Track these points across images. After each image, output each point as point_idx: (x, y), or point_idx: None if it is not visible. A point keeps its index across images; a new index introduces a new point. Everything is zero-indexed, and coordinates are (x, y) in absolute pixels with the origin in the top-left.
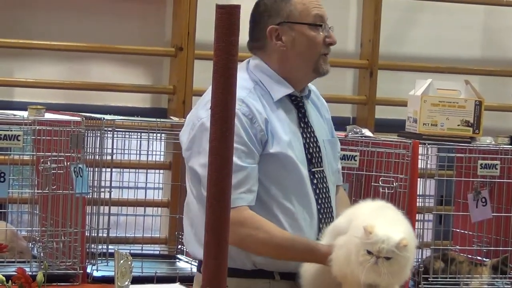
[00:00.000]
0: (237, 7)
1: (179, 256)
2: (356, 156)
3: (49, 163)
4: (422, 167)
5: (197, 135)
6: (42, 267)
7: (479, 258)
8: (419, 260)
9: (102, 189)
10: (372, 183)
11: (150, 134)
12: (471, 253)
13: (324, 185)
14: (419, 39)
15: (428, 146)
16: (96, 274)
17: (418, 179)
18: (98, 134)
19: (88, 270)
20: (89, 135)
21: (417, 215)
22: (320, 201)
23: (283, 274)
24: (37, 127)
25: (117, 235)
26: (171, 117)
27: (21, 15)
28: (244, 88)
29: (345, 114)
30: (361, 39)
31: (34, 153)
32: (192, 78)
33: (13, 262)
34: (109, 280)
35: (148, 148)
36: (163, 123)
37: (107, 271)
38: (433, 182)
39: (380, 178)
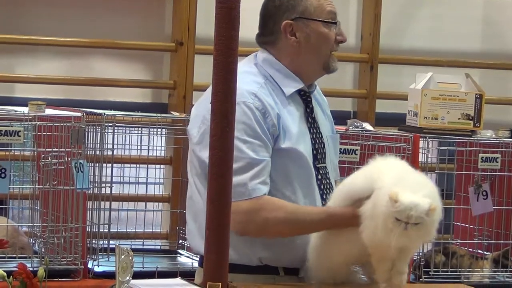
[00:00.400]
0: (237, 2)
1: (180, 251)
2: (356, 150)
3: (50, 159)
4: (423, 160)
5: (207, 129)
6: (43, 262)
7: (480, 251)
8: (420, 253)
9: (103, 185)
10: None
11: (150, 129)
12: (472, 247)
13: (328, 181)
14: (419, 32)
15: (429, 139)
16: (97, 269)
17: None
18: (99, 130)
19: (89, 266)
20: (89, 130)
21: None
22: (324, 197)
23: (287, 270)
24: (38, 123)
25: (118, 230)
26: (172, 112)
27: (21, 11)
28: (255, 83)
29: (346, 108)
30: (362, 32)
31: (35, 148)
32: (193, 73)
33: (14, 257)
34: (110, 275)
35: (148, 143)
36: (164, 118)
37: (108, 266)
38: (434, 175)
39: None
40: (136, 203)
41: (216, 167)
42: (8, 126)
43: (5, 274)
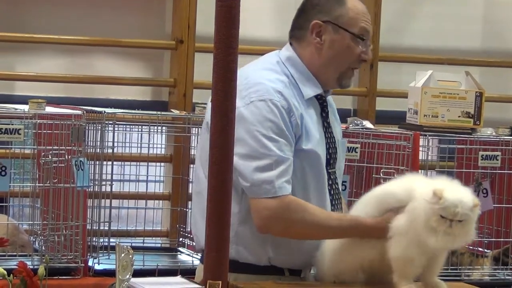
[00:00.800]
0: (237, 1)
1: (180, 249)
2: (357, 148)
3: (50, 157)
4: (423, 158)
5: None
6: (44, 260)
7: (480, 249)
8: None
9: (103, 182)
10: (373, 175)
11: (151, 127)
12: (472, 245)
13: (337, 186)
14: (419, 30)
15: (429, 137)
16: (97, 267)
17: (419, 170)
18: (99, 127)
19: (90, 264)
20: (90, 128)
21: None
22: (333, 202)
23: (291, 270)
24: (38, 121)
25: (119, 228)
26: (172, 110)
27: (21, 9)
28: (280, 81)
29: (346, 106)
30: None
31: (35, 146)
32: (193, 71)
33: (15, 255)
34: (111, 273)
35: (149, 141)
36: (164, 116)
37: (109, 264)
38: (434, 173)
39: (381, 170)
40: (136, 201)
41: (217, 165)
42: (9, 124)
43: (5, 272)
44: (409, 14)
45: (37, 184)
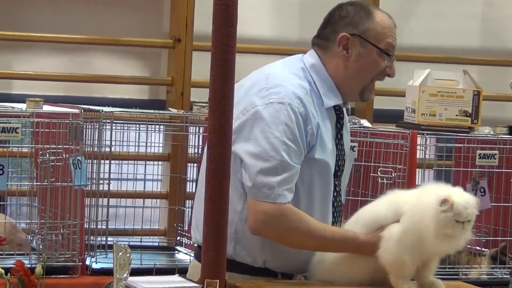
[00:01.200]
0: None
1: (178, 247)
2: (354, 146)
3: (47, 156)
4: (421, 157)
5: (248, 121)
6: (41, 259)
7: (478, 248)
8: None
9: (101, 181)
10: (371, 174)
11: (148, 125)
12: (470, 243)
13: (340, 198)
14: (417, 29)
15: (427, 136)
16: (95, 266)
17: (417, 169)
18: (97, 126)
19: (87, 262)
20: (87, 127)
21: None
22: (335, 214)
23: (284, 274)
24: (36, 120)
25: (116, 227)
26: (170, 108)
27: (19, 8)
28: (301, 87)
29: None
30: None
31: (33, 145)
32: (191, 70)
33: (12, 254)
34: (108, 272)
35: (146, 140)
36: (162, 114)
37: (106, 263)
38: (431, 172)
39: (379, 169)
40: (134, 199)
41: (215, 164)
42: (6, 123)
43: (3, 271)
44: (407, 12)
45: (34, 183)
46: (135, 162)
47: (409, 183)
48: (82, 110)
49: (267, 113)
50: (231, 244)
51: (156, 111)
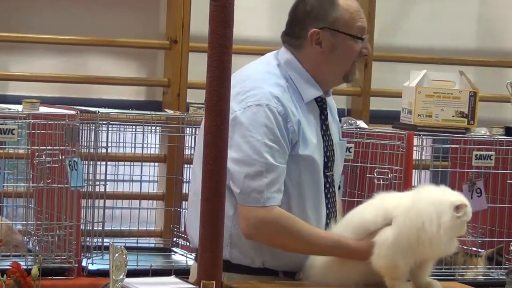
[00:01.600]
0: (232, 0)
1: (174, 249)
2: (351, 147)
3: (44, 157)
4: (417, 158)
5: (235, 128)
6: (37, 261)
7: (474, 249)
8: None
9: (97, 182)
10: (367, 175)
11: (145, 127)
12: (466, 244)
13: (333, 189)
14: (413, 30)
15: (423, 137)
16: (91, 267)
17: (413, 170)
18: (93, 128)
19: (83, 264)
20: (83, 128)
21: None
22: (329, 206)
23: (285, 272)
24: (32, 121)
25: (112, 228)
26: (166, 109)
27: (15, 9)
28: (278, 86)
29: (340, 105)
30: None
31: (29, 146)
32: (187, 71)
33: (8, 256)
34: (104, 273)
35: (143, 141)
36: (158, 116)
37: (102, 265)
38: (428, 173)
39: (375, 170)
40: (130, 201)
41: (211, 165)
42: (2, 124)
43: None
44: (403, 13)
45: (31, 184)
46: (131, 163)
47: (406, 184)
48: (79, 112)
49: (246, 117)
50: (227, 248)
51: (153, 112)
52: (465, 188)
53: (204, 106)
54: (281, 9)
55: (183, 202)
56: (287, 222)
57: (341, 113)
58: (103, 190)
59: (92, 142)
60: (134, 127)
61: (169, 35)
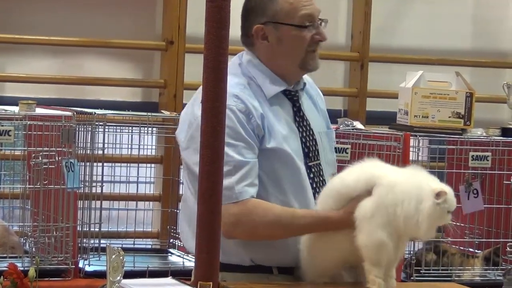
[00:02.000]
0: (227, 1)
1: (171, 250)
2: (347, 148)
3: (40, 158)
4: (414, 159)
5: (194, 134)
6: (34, 262)
7: (471, 250)
8: (411, 252)
9: (94, 184)
10: None
11: (141, 128)
12: (463, 245)
13: (321, 178)
14: (409, 31)
15: (419, 138)
16: (88, 268)
17: None
18: (89, 129)
19: (80, 265)
20: (80, 129)
21: None
22: (317, 195)
23: (281, 269)
24: (28, 122)
25: (109, 229)
26: (162, 111)
27: (12, 10)
28: (237, 84)
29: (336, 106)
30: (352, 31)
31: (26, 148)
32: (183, 72)
33: (5, 257)
34: (101, 274)
35: (139, 142)
36: (154, 117)
37: (99, 266)
38: None
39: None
40: (127, 202)
41: (207, 166)
42: None
43: None
44: (399, 14)
45: (27, 186)
46: (128, 164)
47: None
48: (75, 113)
49: None
50: None
51: (149, 114)
52: (461, 189)
53: None
54: None
55: (180, 203)
56: (263, 211)
57: (337, 114)
58: (100, 191)
59: (89, 143)
60: (130, 128)
61: (165, 36)
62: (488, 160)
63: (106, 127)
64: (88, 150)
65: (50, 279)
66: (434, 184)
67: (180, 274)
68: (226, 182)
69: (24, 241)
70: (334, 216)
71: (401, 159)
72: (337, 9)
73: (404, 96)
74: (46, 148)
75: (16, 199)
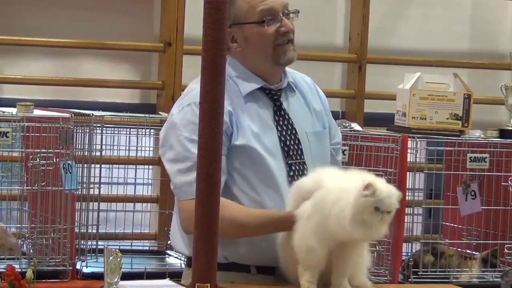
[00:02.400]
0: (225, 3)
1: (168, 251)
2: (345, 150)
3: (38, 160)
4: (411, 160)
5: (168, 131)
6: (32, 263)
7: (468, 251)
8: (409, 254)
9: (92, 185)
10: None
11: (139, 129)
12: (460, 247)
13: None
14: (407, 32)
15: (417, 139)
16: (85, 270)
17: (407, 172)
18: (87, 130)
19: (78, 267)
20: (78, 131)
21: (406, 209)
22: None
23: (259, 268)
24: (26, 124)
25: (107, 231)
26: (160, 112)
27: (9, 12)
28: None
29: (334, 108)
30: (350, 32)
31: (23, 149)
32: (181, 73)
33: (3, 259)
34: (99, 276)
35: (137, 144)
36: (152, 118)
37: (97, 267)
38: (422, 175)
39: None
40: (124, 203)
41: (205, 167)
42: None
43: None
44: (397, 16)
45: (25, 187)
46: (126, 166)
47: (400, 187)
48: (73, 114)
49: (178, 118)
50: (189, 249)
51: (147, 115)
52: (459, 191)
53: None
54: None
55: None
56: (220, 209)
57: (335, 115)
58: (98, 193)
59: (86, 145)
60: (128, 129)
61: (163, 37)
62: (486, 162)
63: (104, 128)
64: (86, 152)
65: (48, 280)
66: (367, 178)
67: (178, 275)
68: (186, 178)
69: (21, 242)
70: (281, 216)
71: (399, 161)
72: (335, 11)
73: (402, 97)
74: (43, 150)
75: (13, 200)
